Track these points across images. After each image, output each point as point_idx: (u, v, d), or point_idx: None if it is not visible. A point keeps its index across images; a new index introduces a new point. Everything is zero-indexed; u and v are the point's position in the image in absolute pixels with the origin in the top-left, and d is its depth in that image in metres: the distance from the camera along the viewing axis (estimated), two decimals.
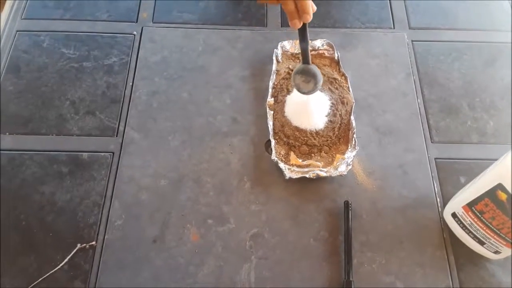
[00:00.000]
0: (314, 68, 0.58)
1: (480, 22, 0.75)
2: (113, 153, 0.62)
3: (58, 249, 0.54)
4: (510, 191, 0.45)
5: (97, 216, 0.57)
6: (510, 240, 0.49)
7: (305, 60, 0.58)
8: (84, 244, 0.55)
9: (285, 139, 0.62)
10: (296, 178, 0.58)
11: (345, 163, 0.59)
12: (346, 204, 0.57)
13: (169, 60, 0.69)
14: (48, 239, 0.55)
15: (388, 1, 0.77)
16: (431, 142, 0.63)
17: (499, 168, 0.47)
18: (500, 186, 0.46)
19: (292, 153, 0.61)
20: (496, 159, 0.50)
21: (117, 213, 0.57)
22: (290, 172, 0.59)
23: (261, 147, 0.62)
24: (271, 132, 0.62)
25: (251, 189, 0.59)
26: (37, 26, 0.72)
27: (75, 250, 0.54)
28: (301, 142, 0.62)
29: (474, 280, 0.54)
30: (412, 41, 0.72)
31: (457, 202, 0.54)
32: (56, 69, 0.68)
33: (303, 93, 0.60)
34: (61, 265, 0.53)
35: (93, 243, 0.55)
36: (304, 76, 0.58)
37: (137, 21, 0.74)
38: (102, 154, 0.61)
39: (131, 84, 0.67)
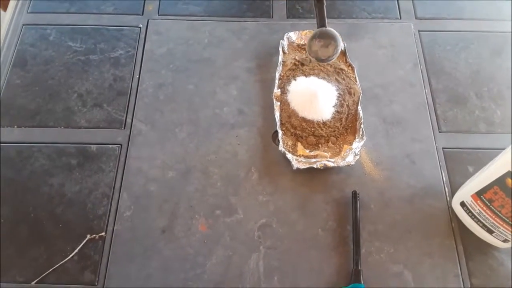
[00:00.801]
0: (331, 30, 0.53)
1: (486, 11, 0.75)
2: (121, 145, 0.62)
3: (67, 240, 0.55)
4: None
5: (106, 207, 0.57)
6: None
7: (322, 22, 0.52)
8: (94, 235, 0.55)
9: (292, 130, 0.62)
10: (303, 169, 0.58)
11: (352, 153, 0.59)
12: (354, 194, 0.57)
13: (175, 52, 0.69)
14: (58, 230, 0.55)
15: None
16: (439, 132, 0.63)
17: (508, 156, 0.46)
18: (509, 174, 0.46)
19: (299, 143, 0.61)
20: (503, 148, 0.49)
21: (126, 204, 0.57)
22: (297, 162, 0.59)
23: (268, 138, 0.62)
24: (278, 123, 0.62)
25: (259, 180, 0.59)
26: (43, 20, 0.73)
27: (84, 241, 0.54)
28: (308, 132, 0.62)
29: (483, 269, 0.54)
30: (419, 31, 0.72)
31: (466, 191, 0.54)
32: (63, 62, 0.68)
33: (322, 60, 0.54)
34: (71, 255, 0.54)
35: (103, 234, 0.55)
36: (323, 39, 0.52)
37: (142, 14, 0.74)
38: (110, 146, 0.62)
39: (137, 76, 0.67)
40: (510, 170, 0.46)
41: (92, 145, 0.62)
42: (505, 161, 0.47)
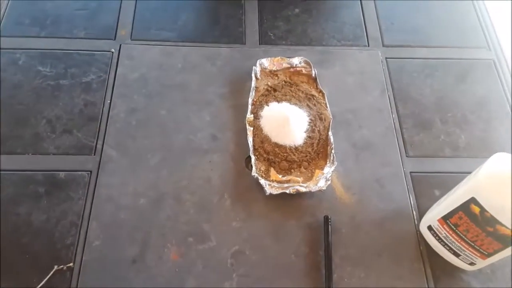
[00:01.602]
0: None
1: (452, 39, 0.78)
2: (91, 171, 0.61)
3: (34, 271, 0.53)
4: (483, 205, 0.47)
5: (74, 237, 0.56)
6: (485, 252, 0.51)
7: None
8: (62, 266, 0.53)
9: (265, 155, 0.63)
10: (276, 194, 0.59)
11: (324, 178, 0.60)
12: (326, 219, 0.58)
13: (148, 77, 0.69)
14: (24, 261, 0.54)
15: (362, 19, 0.79)
16: (406, 156, 0.65)
17: (472, 183, 0.48)
18: (473, 200, 0.47)
19: (272, 169, 0.62)
20: (468, 172, 0.51)
21: (95, 233, 0.56)
22: (270, 188, 0.59)
23: (241, 163, 0.63)
24: (251, 149, 0.62)
25: (232, 206, 0.59)
26: (13, 44, 0.71)
27: (52, 272, 0.53)
28: (281, 158, 0.62)
29: None
30: (386, 58, 0.75)
31: (433, 215, 0.55)
32: (32, 87, 0.67)
33: None
34: (38, 287, 0.52)
35: (71, 264, 0.54)
36: None
37: (115, 39, 0.74)
38: (80, 173, 0.61)
39: (109, 101, 0.67)
40: (474, 196, 0.47)
41: (60, 172, 0.60)
42: (469, 188, 0.49)
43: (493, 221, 0.46)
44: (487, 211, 0.46)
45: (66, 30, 0.74)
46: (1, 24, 0.73)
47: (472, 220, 0.49)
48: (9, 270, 0.53)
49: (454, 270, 0.57)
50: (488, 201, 0.46)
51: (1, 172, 0.60)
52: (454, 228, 0.52)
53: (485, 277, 0.56)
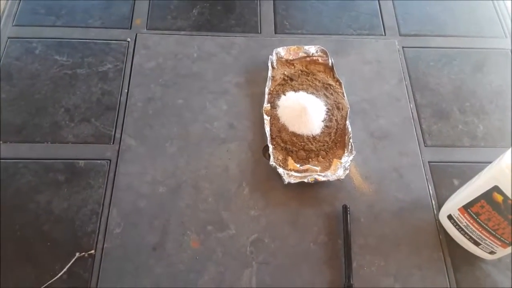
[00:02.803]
0: None
1: (468, 28, 0.77)
2: (110, 160, 0.61)
3: (56, 259, 0.53)
4: (506, 193, 0.46)
5: (95, 225, 0.56)
6: (506, 241, 0.51)
7: None
8: (83, 253, 0.54)
9: (282, 145, 0.63)
10: (294, 183, 0.59)
11: (342, 167, 0.60)
12: (345, 208, 0.58)
13: (164, 67, 0.69)
14: (46, 248, 0.54)
15: (379, 9, 0.78)
16: (425, 146, 0.65)
17: (495, 171, 0.48)
18: (496, 188, 0.47)
19: (289, 158, 0.62)
20: (487, 162, 0.51)
21: (115, 221, 0.56)
22: (288, 177, 0.59)
23: (259, 152, 0.63)
24: (268, 138, 0.62)
25: (250, 195, 0.59)
26: (29, 33, 0.72)
27: (74, 259, 0.53)
28: (299, 147, 0.62)
29: (470, 281, 0.55)
30: (403, 47, 0.74)
31: (453, 204, 0.55)
32: (49, 76, 0.67)
33: None
34: (59, 274, 0.52)
35: (92, 251, 0.54)
36: None
37: (130, 28, 0.74)
38: (99, 161, 0.61)
39: (126, 91, 0.67)
40: (497, 184, 0.47)
41: (80, 161, 0.61)
42: (491, 176, 0.48)
43: None
44: (510, 199, 0.46)
45: (82, 20, 0.74)
46: (17, 13, 0.73)
47: (494, 208, 0.49)
48: (31, 257, 0.54)
49: (473, 259, 0.56)
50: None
51: (21, 160, 0.60)
52: (476, 217, 0.52)
53: (505, 266, 0.56)
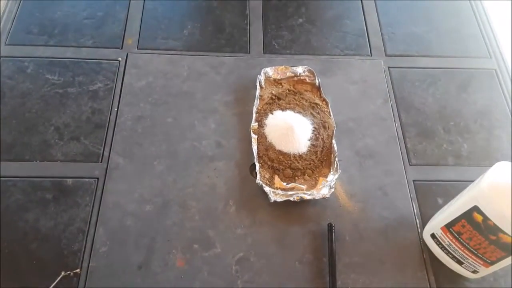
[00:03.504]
0: None
1: (453, 49, 0.79)
2: (98, 178, 0.62)
3: (42, 277, 0.54)
4: (485, 213, 0.47)
5: (81, 243, 0.56)
6: (488, 260, 0.51)
7: None
8: (69, 272, 0.54)
9: (269, 163, 0.63)
10: (280, 201, 0.59)
11: (328, 185, 0.61)
12: (330, 227, 0.59)
13: (154, 86, 0.71)
14: (32, 267, 0.54)
15: (365, 29, 0.80)
16: (409, 164, 0.66)
17: (475, 191, 0.49)
18: (476, 208, 0.48)
19: (276, 176, 0.63)
20: (471, 181, 0.52)
21: (101, 239, 0.57)
22: (274, 195, 0.60)
23: (246, 171, 0.63)
24: (255, 156, 0.63)
25: (237, 213, 0.60)
26: (21, 52, 0.73)
27: (59, 278, 0.53)
28: (285, 165, 0.63)
29: None
30: (389, 67, 0.76)
31: (436, 223, 0.56)
32: (40, 95, 0.68)
33: None
34: None
35: (78, 270, 0.54)
36: None
37: (122, 48, 0.75)
38: (87, 180, 0.61)
39: (116, 109, 0.68)
40: (477, 205, 0.48)
41: (68, 179, 0.61)
42: (472, 196, 0.49)
43: (495, 229, 0.47)
44: (489, 220, 0.47)
45: (74, 39, 0.75)
46: (10, 33, 0.75)
47: (475, 228, 0.49)
48: (17, 275, 0.54)
49: (457, 278, 0.57)
50: (491, 210, 0.47)
51: (10, 179, 0.61)
52: (457, 236, 0.52)
53: (488, 285, 0.57)
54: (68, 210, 0.59)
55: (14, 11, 0.77)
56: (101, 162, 0.63)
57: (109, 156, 0.63)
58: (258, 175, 0.61)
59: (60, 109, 0.67)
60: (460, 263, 0.55)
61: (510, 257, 0.49)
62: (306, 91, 0.71)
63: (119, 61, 0.73)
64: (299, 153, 0.64)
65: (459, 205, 0.51)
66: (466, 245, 0.52)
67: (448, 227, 0.53)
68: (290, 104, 0.69)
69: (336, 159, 0.63)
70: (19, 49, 0.73)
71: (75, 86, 0.70)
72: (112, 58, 0.73)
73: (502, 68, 0.77)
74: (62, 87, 0.69)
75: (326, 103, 0.69)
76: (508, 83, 0.75)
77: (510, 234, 0.46)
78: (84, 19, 0.77)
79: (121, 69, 0.72)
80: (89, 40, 0.75)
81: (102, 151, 0.64)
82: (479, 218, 0.48)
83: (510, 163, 0.48)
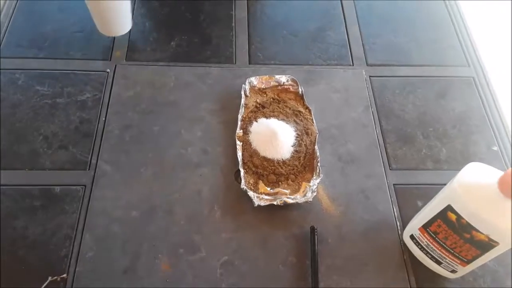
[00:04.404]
0: None
1: (432, 58, 0.82)
2: (85, 186, 0.63)
3: (29, 283, 0.54)
4: (458, 212, 0.49)
5: (68, 249, 0.57)
6: (464, 259, 0.53)
7: None
8: (56, 277, 0.55)
9: (253, 169, 0.65)
10: (264, 206, 0.61)
11: (310, 190, 0.63)
12: (312, 230, 0.60)
13: (142, 96, 0.72)
14: (20, 272, 0.55)
15: (347, 40, 0.83)
16: (390, 169, 0.67)
17: (448, 191, 0.51)
18: (449, 208, 0.50)
19: (260, 182, 0.64)
20: None
21: (88, 245, 0.58)
22: (259, 200, 0.61)
23: (231, 176, 0.65)
24: (240, 162, 0.65)
25: (222, 218, 0.61)
26: (13, 65, 0.75)
27: (46, 283, 0.54)
28: (269, 171, 0.65)
29: None
30: (370, 76, 0.78)
31: (414, 225, 0.58)
32: (30, 106, 0.70)
33: None
34: None
35: (64, 275, 0.55)
36: None
37: (110, 59, 0.77)
38: (74, 187, 0.63)
39: (104, 119, 0.69)
40: (450, 204, 0.50)
41: (56, 187, 0.62)
42: (445, 196, 0.51)
43: (469, 227, 0.49)
44: (463, 218, 0.49)
45: (64, 52, 0.77)
46: (1, 46, 0.77)
47: (450, 227, 0.51)
48: (5, 281, 0.54)
49: (437, 278, 0.58)
50: (463, 208, 0.48)
51: (0, 187, 0.62)
52: (434, 236, 0.54)
53: (468, 285, 0.58)
54: (55, 217, 0.60)
55: (6, 24, 0.79)
56: (89, 169, 0.64)
57: (96, 164, 0.65)
58: (243, 181, 0.63)
59: (49, 119, 0.69)
60: (438, 263, 0.56)
61: (485, 256, 0.51)
62: (290, 99, 0.73)
63: (108, 72, 0.75)
64: (282, 159, 0.66)
65: (435, 206, 0.53)
66: (443, 244, 0.54)
67: (425, 227, 0.55)
68: (274, 112, 0.71)
69: (319, 164, 0.65)
70: (11, 62, 0.75)
71: (64, 96, 0.72)
72: (100, 69, 0.75)
73: (480, 75, 0.80)
74: (51, 97, 0.71)
75: (309, 111, 0.71)
76: (486, 90, 0.78)
77: (482, 231, 0.48)
78: (73, 32, 0.79)
79: (110, 80, 0.74)
80: (79, 53, 0.77)
81: (89, 159, 0.65)
82: (453, 217, 0.50)
83: (481, 164, 0.50)
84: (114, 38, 0.79)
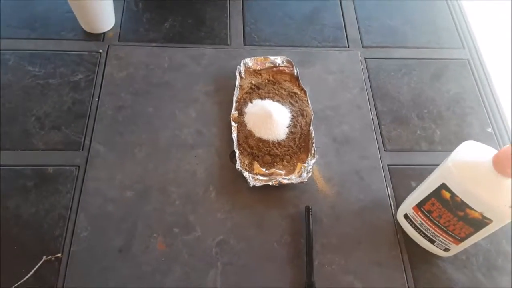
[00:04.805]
0: None
1: (428, 40, 0.82)
2: (79, 166, 0.62)
3: (23, 262, 0.54)
4: (452, 190, 0.49)
5: (62, 229, 0.57)
6: (457, 237, 0.53)
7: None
8: (50, 256, 0.55)
9: (249, 150, 0.65)
10: (259, 186, 0.61)
11: (305, 171, 0.63)
12: (307, 209, 0.60)
13: (135, 76, 0.72)
14: (13, 252, 0.55)
15: (343, 22, 0.82)
16: (384, 150, 0.68)
17: (442, 169, 0.51)
18: (443, 186, 0.50)
19: (255, 162, 0.64)
20: None
21: (82, 224, 0.58)
22: (254, 180, 0.61)
23: (226, 157, 0.65)
24: (235, 143, 0.64)
25: (217, 198, 0.61)
26: (3, 45, 0.73)
27: (40, 263, 0.54)
28: (264, 152, 0.65)
29: (427, 277, 0.58)
30: (365, 58, 0.78)
31: (408, 204, 0.58)
32: (21, 86, 0.69)
33: None
34: (26, 277, 0.53)
35: (59, 255, 0.55)
36: None
37: (103, 40, 0.76)
38: (68, 167, 0.62)
39: (97, 99, 0.69)
40: (444, 182, 0.50)
41: (49, 167, 0.62)
42: (439, 174, 0.51)
43: (462, 205, 0.49)
44: (457, 196, 0.49)
45: (55, 32, 0.76)
46: None
47: (443, 205, 0.52)
48: None
49: (430, 256, 0.59)
50: (457, 186, 0.49)
51: None
52: (428, 215, 0.54)
53: (461, 263, 0.59)
54: (49, 197, 0.59)
55: None
56: (82, 150, 0.64)
57: (90, 144, 0.64)
58: (238, 161, 0.63)
59: (41, 99, 0.68)
60: (432, 241, 0.57)
61: (478, 233, 0.51)
62: (285, 81, 0.73)
63: (100, 53, 0.74)
64: (277, 140, 0.65)
65: (429, 184, 0.53)
66: (437, 223, 0.54)
67: (419, 206, 0.55)
68: (269, 93, 0.70)
69: (314, 145, 0.65)
70: (1, 42, 0.74)
71: (56, 77, 0.71)
72: (93, 50, 0.74)
73: (475, 58, 0.80)
74: (43, 78, 0.70)
75: (305, 92, 0.71)
76: (480, 72, 0.78)
77: (476, 209, 0.48)
78: (65, 12, 0.78)
79: (102, 60, 0.73)
80: (71, 33, 0.76)
81: (83, 139, 0.65)
82: (447, 195, 0.50)
83: (475, 142, 0.51)
84: None
